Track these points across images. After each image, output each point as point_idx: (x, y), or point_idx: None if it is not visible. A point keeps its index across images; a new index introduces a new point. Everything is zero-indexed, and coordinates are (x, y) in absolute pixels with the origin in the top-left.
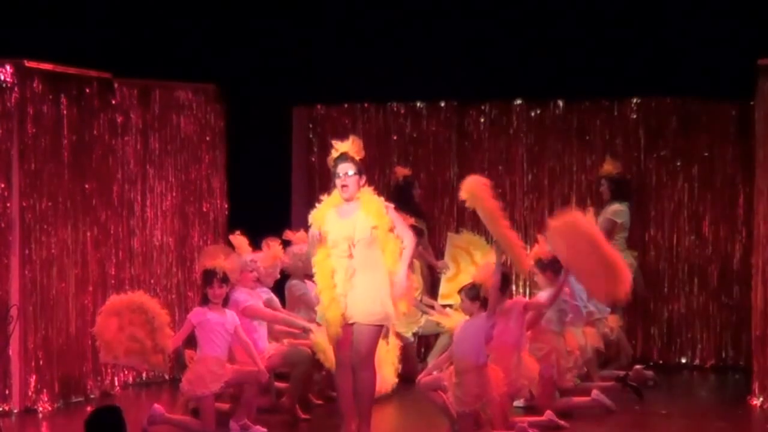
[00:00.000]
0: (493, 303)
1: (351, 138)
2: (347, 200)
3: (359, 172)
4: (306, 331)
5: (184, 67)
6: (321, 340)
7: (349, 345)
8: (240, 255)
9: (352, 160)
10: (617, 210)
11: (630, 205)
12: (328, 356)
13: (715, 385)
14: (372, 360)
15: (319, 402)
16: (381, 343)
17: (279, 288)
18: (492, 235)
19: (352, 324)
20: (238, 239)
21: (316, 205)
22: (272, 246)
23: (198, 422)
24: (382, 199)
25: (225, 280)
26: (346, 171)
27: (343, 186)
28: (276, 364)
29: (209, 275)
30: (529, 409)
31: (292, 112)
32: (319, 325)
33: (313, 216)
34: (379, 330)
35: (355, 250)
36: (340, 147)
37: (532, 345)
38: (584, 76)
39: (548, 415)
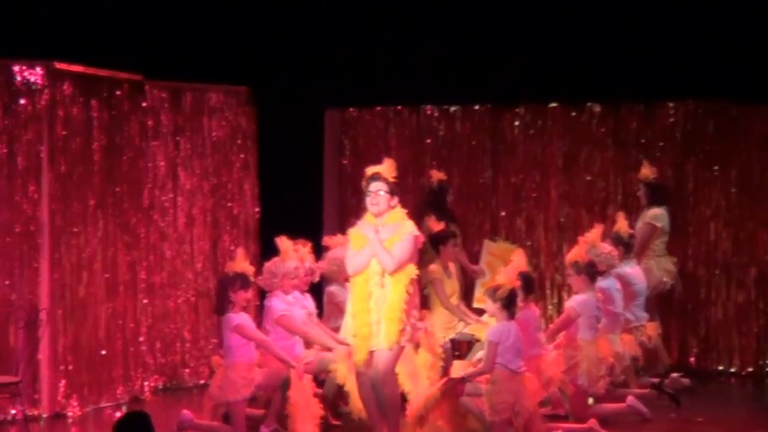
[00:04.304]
0: None
1: (385, 160)
2: (376, 216)
3: (391, 192)
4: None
5: (216, 69)
6: (341, 356)
7: (371, 365)
8: (284, 261)
9: (385, 180)
10: (657, 214)
11: (668, 210)
12: (343, 373)
13: (752, 393)
14: (392, 377)
15: (347, 409)
16: (413, 355)
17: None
18: None
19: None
20: (284, 243)
21: (359, 222)
22: (300, 250)
23: (228, 428)
24: (412, 224)
25: (246, 284)
26: (378, 189)
27: (372, 203)
28: (313, 370)
29: (232, 281)
30: (557, 417)
31: (324, 115)
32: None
33: (354, 236)
34: (398, 350)
35: (385, 279)
36: (373, 169)
37: (564, 352)
38: (620, 79)
39: (592, 423)
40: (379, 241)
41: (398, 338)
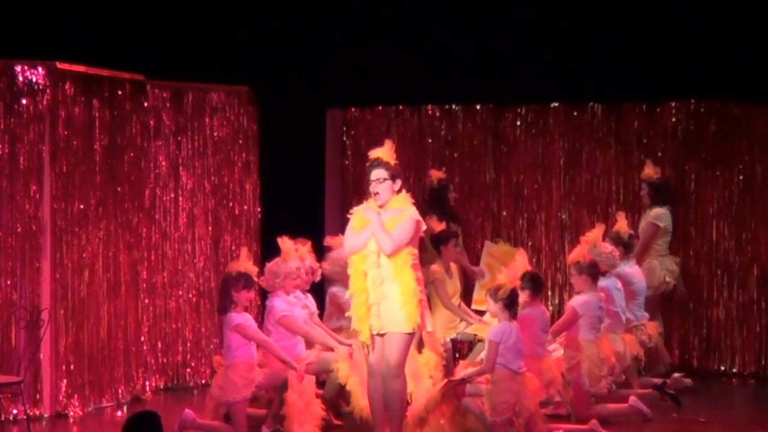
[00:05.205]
0: None
1: (386, 143)
2: (380, 206)
3: (392, 177)
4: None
5: (217, 68)
6: (343, 356)
7: (380, 354)
8: (285, 261)
9: (386, 165)
10: (659, 213)
11: (670, 209)
12: (345, 372)
13: (754, 393)
14: (402, 369)
15: (349, 409)
16: (416, 355)
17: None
18: None
19: (384, 334)
20: (286, 243)
21: (364, 203)
22: (300, 249)
23: (230, 427)
24: (414, 210)
25: (249, 284)
26: (378, 177)
27: (375, 193)
28: (314, 371)
29: (235, 280)
30: (559, 417)
31: (325, 115)
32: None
33: (356, 217)
34: (410, 338)
35: (382, 259)
36: (374, 153)
37: (565, 353)
38: (622, 78)
39: (593, 424)
40: (381, 222)
41: (420, 321)
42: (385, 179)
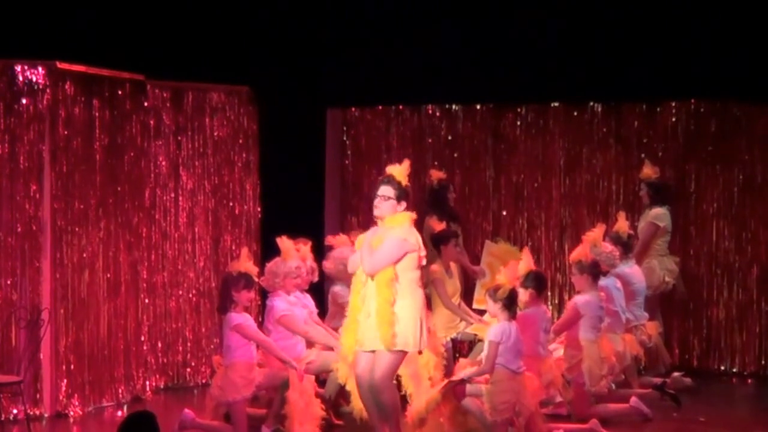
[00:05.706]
0: None
1: (405, 161)
2: (378, 218)
3: (398, 198)
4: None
5: (217, 68)
6: (343, 357)
7: (365, 368)
8: (285, 260)
9: (396, 184)
10: (659, 213)
11: (670, 209)
12: (345, 372)
13: (754, 393)
14: (387, 383)
15: (349, 409)
16: (416, 356)
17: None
18: None
19: (374, 351)
20: (285, 243)
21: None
22: (301, 249)
23: (230, 427)
24: (406, 230)
25: (250, 284)
26: (384, 194)
27: (375, 206)
28: (314, 370)
29: (236, 280)
30: (559, 416)
31: (325, 115)
32: None
33: (360, 236)
34: (398, 356)
35: (365, 278)
36: (389, 169)
37: (565, 352)
38: (622, 78)
39: (593, 423)
40: (368, 241)
41: (394, 341)
42: (389, 198)
